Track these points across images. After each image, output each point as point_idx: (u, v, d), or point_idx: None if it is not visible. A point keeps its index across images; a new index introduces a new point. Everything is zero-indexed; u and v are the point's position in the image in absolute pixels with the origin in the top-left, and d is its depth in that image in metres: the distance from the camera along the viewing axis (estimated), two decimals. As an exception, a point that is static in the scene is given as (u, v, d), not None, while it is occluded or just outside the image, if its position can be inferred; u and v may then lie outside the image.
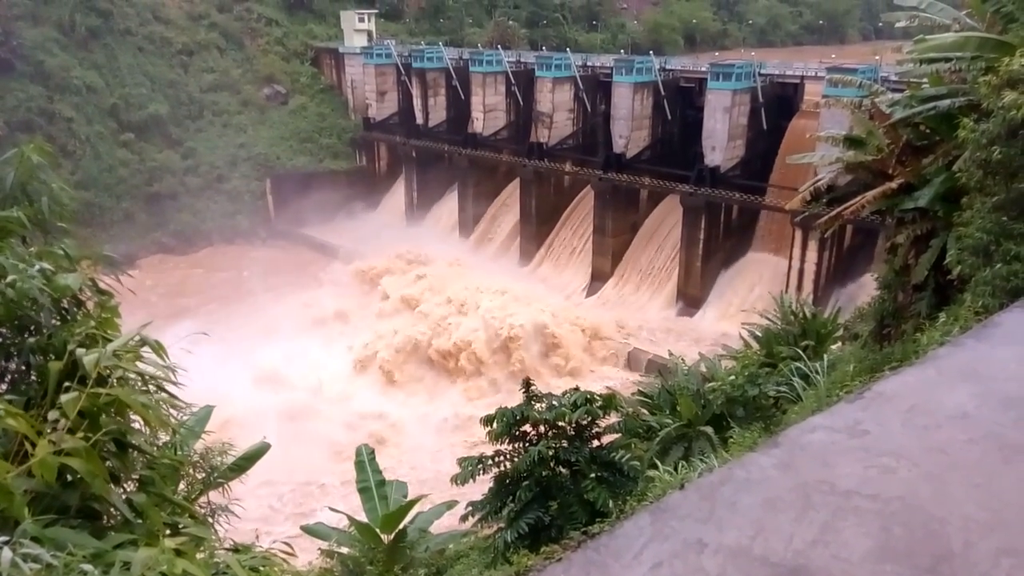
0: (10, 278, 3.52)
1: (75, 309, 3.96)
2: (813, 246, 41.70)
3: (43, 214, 4.54)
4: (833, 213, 9.79)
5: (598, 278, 52.32)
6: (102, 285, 4.25)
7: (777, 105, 48.22)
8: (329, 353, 42.04)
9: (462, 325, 42.77)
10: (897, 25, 11.22)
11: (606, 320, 45.99)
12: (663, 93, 51.84)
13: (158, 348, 3.71)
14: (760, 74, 47.69)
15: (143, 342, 3.90)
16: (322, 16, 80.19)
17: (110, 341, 3.71)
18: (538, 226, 55.78)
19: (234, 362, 36.21)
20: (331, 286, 51.71)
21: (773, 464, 3.25)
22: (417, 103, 64.34)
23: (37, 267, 3.76)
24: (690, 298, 47.83)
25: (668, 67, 53.63)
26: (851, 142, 9.72)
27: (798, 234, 41.90)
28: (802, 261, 42.18)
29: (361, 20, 73.08)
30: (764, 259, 46.99)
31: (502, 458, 11.03)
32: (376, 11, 78.49)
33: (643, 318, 47.77)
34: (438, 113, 64.08)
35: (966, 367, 4.23)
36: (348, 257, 56.44)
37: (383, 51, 67.11)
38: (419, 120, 64.36)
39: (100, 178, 59.51)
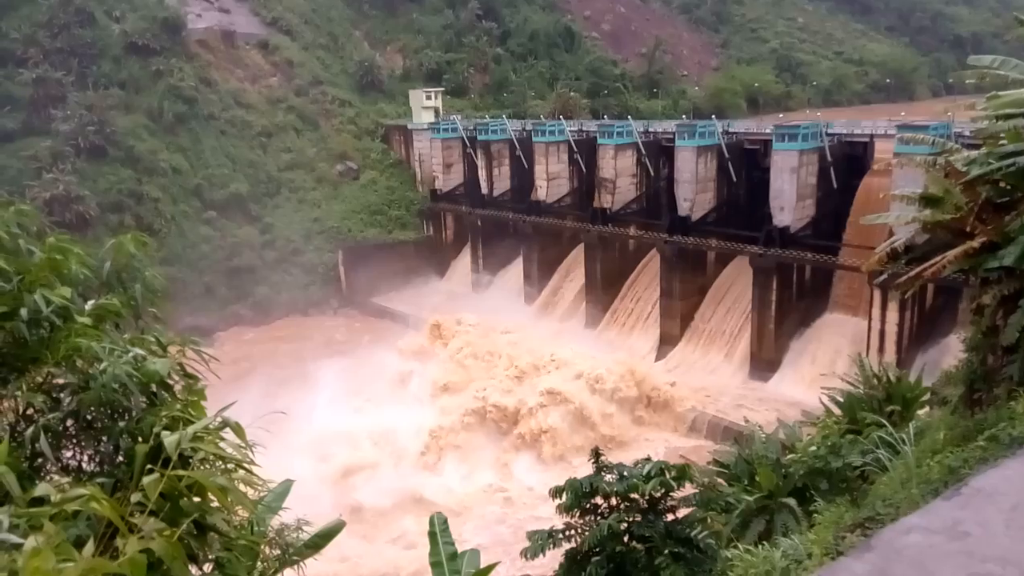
0: (103, 364, 3.73)
1: (163, 393, 4.14)
2: (893, 307, 40.12)
3: (136, 301, 4.79)
4: (912, 274, 9.45)
5: (667, 342, 51.47)
6: (189, 369, 4.44)
7: (847, 164, 47.39)
8: (397, 421, 42.25)
9: (528, 392, 42.49)
10: (968, 81, 10.99)
11: (676, 384, 45.02)
12: (727, 155, 51.69)
13: (238, 429, 3.83)
14: (827, 133, 47.13)
15: (224, 423, 4.03)
16: (392, 95, 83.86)
17: (193, 423, 3.86)
18: (604, 290, 55.61)
19: (304, 434, 36.79)
20: (399, 354, 52.33)
21: (867, 571, 3.02)
22: (482, 173, 65.95)
23: (131, 353, 3.96)
24: (764, 362, 46.43)
25: (731, 130, 53.61)
26: (927, 201, 9.44)
27: (877, 294, 40.45)
28: (882, 322, 40.57)
29: (428, 98, 76.05)
30: (841, 320, 45.41)
31: (573, 532, 10.76)
32: (442, 89, 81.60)
33: (714, 382, 46.54)
34: (502, 183, 65.47)
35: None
36: (416, 324, 57.27)
37: (449, 126, 69.46)
38: (484, 190, 65.84)
39: (184, 254, 62.56)
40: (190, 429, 3.49)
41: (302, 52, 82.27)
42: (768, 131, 49.92)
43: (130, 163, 63.80)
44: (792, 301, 46.39)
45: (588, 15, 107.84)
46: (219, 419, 4.24)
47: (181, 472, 3.37)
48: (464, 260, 67.64)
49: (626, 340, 53.55)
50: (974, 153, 9.23)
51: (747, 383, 46.10)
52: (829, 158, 46.84)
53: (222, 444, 3.99)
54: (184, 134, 68.43)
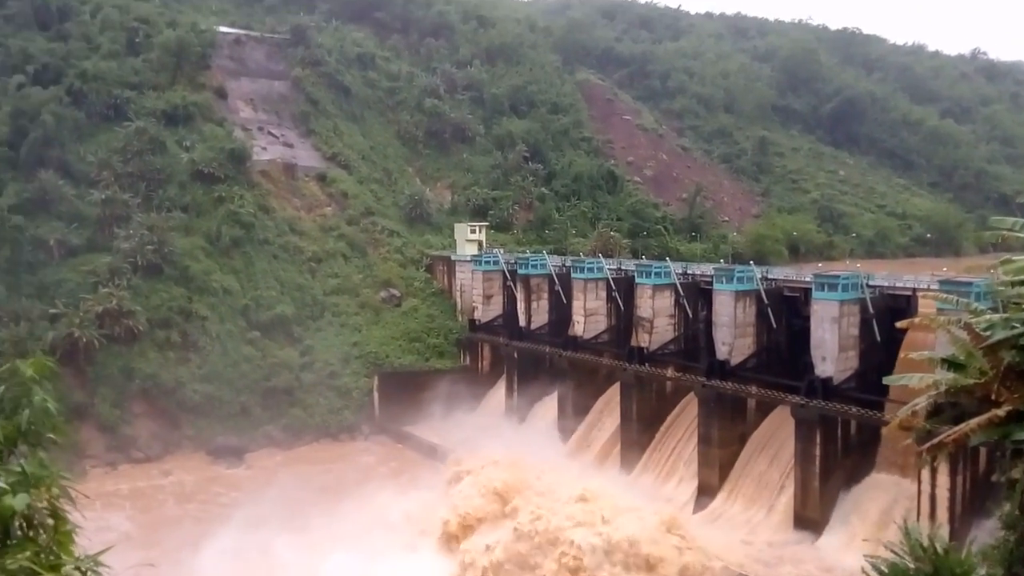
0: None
1: (25, 531, 3.92)
2: (944, 469, 37.83)
3: (20, 428, 4.65)
4: (934, 442, 8.95)
5: (705, 492, 49.10)
6: (61, 505, 4.22)
7: (890, 316, 46.39)
8: (418, 566, 40.39)
9: (559, 538, 40.33)
10: (992, 242, 10.87)
11: (716, 541, 42.31)
12: (766, 301, 51.34)
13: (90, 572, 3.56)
14: (868, 285, 46.70)
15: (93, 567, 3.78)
16: (439, 228, 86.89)
17: (56, 568, 3.62)
18: (640, 432, 54.13)
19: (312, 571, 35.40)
20: (426, 490, 50.64)
21: None
22: (520, 306, 66.67)
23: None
24: (808, 521, 43.64)
25: (770, 276, 53.59)
26: (950, 364, 9.07)
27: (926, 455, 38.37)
28: (932, 486, 38.04)
29: (473, 231, 78.58)
30: (891, 481, 42.60)
31: None
32: (487, 223, 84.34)
33: (756, 541, 43.79)
34: (540, 316, 65.95)
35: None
36: (446, 458, 55.95)
37: (491, 258, 71.18)
38: (522, 322, 66.29)
39: (224, 372, 63.53)
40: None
41: (357, 185, 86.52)
42: (808, 279, 49.75)
43: (183, 282, 66.36)
44: (837, 457, 44.16)
45: (631, 160, 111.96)
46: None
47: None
48: (499, 392, 67.09)
49: (663, 487, 51.33)
50: (996, 316, 8.95)
51: (791, 544, 43.23)
52: (871, 310, 46.13)
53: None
54: (238, 257, 71.30)
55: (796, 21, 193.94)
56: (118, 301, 60.37)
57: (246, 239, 72.30)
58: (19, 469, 4.31)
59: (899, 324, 43.85)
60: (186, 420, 60.93)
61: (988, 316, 9.16)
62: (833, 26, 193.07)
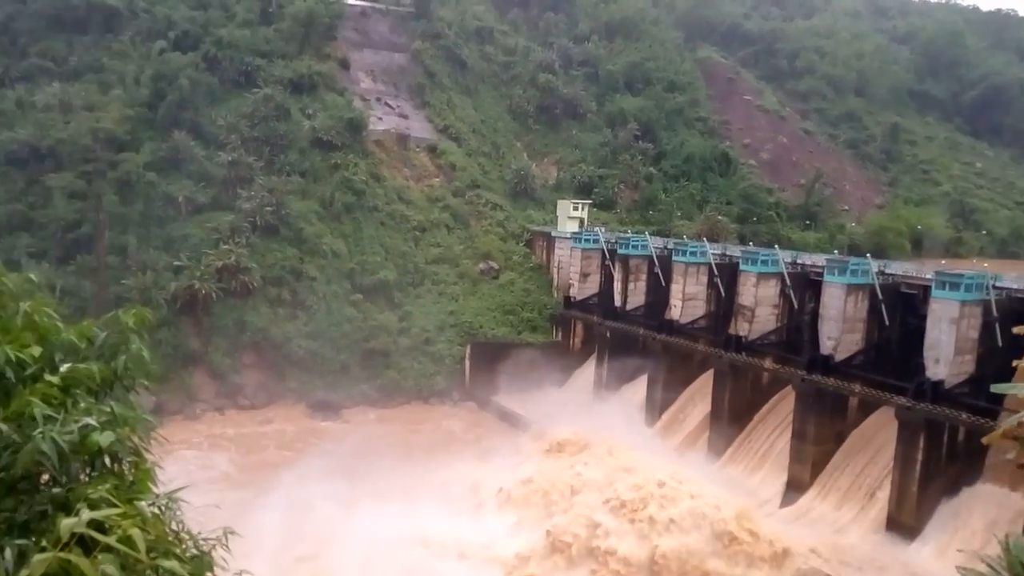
0: (37, 432, 3.95)
1: (112, 466, 4.31)
2: (1060, 487, 35.11)
3: (117, 372, 5.07)
4: None
5: (794, 488, 47.52)
6: (143, 445, 4.60)
7: (1016, 322, 42.85)
8: (490, 533, 41.13)
9: (640, 526, 40.01)
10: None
11: (802, 538, 40.96)
12: (880, 297, 48.53)
13: (153, 521, 3.88)
14: (995, 287, 43.32)
15: (169, 503, 4.11)
16: (541, 203, 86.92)
17: (133, 502, 3.97)
18: (730, 422, 52.74)
19: (395, 530, 36.67)
20: (514, 459, 51.49)
21: None
22: (617, 286, 65.94)
23: (82, 423, 4.17)
24: (903, 526, 41.57)
25: (888, 271, 50.54)
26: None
27: (1038, 470, 35.61)
28: (1044, 503, 35.49)
29: (575, 208, 78.11)
30: (996, 493, 39.99)
31: None
32: (590, 201, 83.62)
33: (845, 542, 42.05)
34: (637, 297, 65.01)
35: None
36: (533, 431, 56.55)
37: (591, 236, 70.64)
38: (617, 303, 65.59)
39: (328, 331, 66.45)
40: (84, 515, 3.54)
41: (465, 157, 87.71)
42: (929, 276, 46.65)
43: (297, 243, 69.62)
44: (940, 463, 41.66)
45: (748, 143, 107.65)
46: (165, 499, 4.35)
47: (69, 556, 3.44)
48: (588, 370, 66.92)
49: (750, 479, 49.98)
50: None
51: (881, 547, 41.32)
52: (995, 312, 42.79)
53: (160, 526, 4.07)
54: (348, 222, 74.03)
55: (943, 1, 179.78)
56: (236, 257, 64.09)
57: (357, 205, 74.90)
58: (109, 409, 4.63)
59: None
60: (290, 373, 64.28)
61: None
62: (986, 7, 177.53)
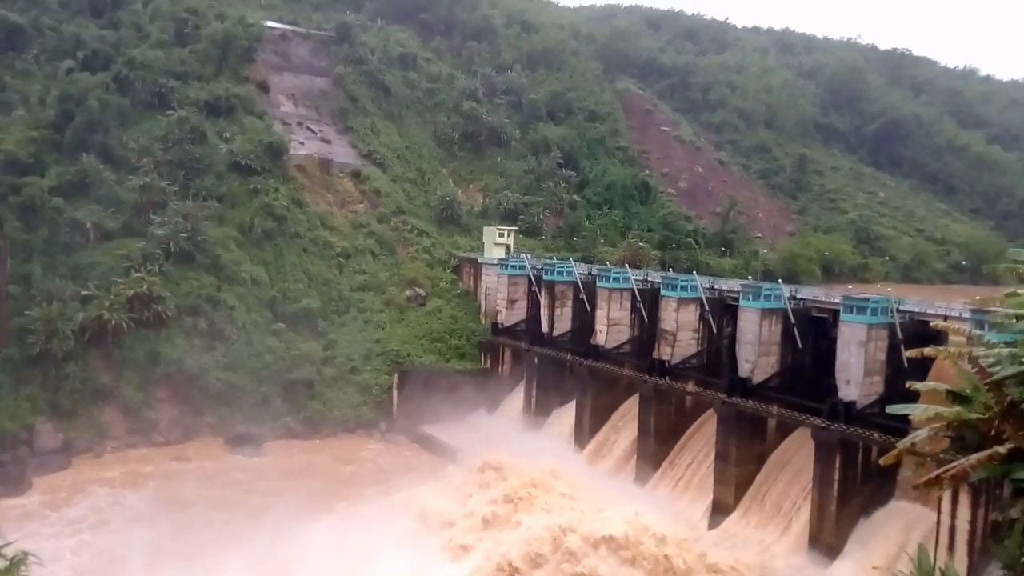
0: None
1: None
2: (965, 500, 36.80)
3: None
4: (931, 476, 8.62)
5: (720, 510, 48.39)
6: None
7: (919, 343, 45.14)
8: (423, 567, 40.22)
9: (574, 550, 39.77)
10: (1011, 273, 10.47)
11: (728, 560, 41.55)
12: (793, 321, 50.47)
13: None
14: (899, 310, 45.63)
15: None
16: (468, 230, 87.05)
17: None
18: (656, 445, 53.48)
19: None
20: (441, 489, 50.59)
21: None
22: (544, 312, 66.42)
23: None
24: (824, 545, 42.71)
25: (799, 295, 52.62)
26: (955, 397, 8.72)
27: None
28: (952, 517, 36.97)
29: (501, 235, 78.50)
30: (910, 510, 41.57)
31: None
32: (516, 228, 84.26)
33: (769, 562, 42.95)
34: (563, 323, 65.61)
35: None
36: (461, 460, 55.88)
37: (517, 263, 71.08)
38: (544, 329, 66.02)
39: (247, 362, 64.20)
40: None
41: (390, 183, 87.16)
42: (837, 301, 48.76)
43: (214, 270, 67.24)
44: (856, 482, 43.12)
45: (666, 172, 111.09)
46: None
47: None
48: (517, 397, 66.86)
49: (677, 502, 50.62)
50: (1004, 351, 8.58)
51: (805, 566, 42.37)
52: (900, 335, 45.05)
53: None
54: (269, 248, 72.13)
55: (845, 39, 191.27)
56: (149, 286, 61.38)
57: (278, 231, 73.13)
58: None
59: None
60: (208, 407, 61.66)
61: (997, 350, 8.80)
62: (883, 46, 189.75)
